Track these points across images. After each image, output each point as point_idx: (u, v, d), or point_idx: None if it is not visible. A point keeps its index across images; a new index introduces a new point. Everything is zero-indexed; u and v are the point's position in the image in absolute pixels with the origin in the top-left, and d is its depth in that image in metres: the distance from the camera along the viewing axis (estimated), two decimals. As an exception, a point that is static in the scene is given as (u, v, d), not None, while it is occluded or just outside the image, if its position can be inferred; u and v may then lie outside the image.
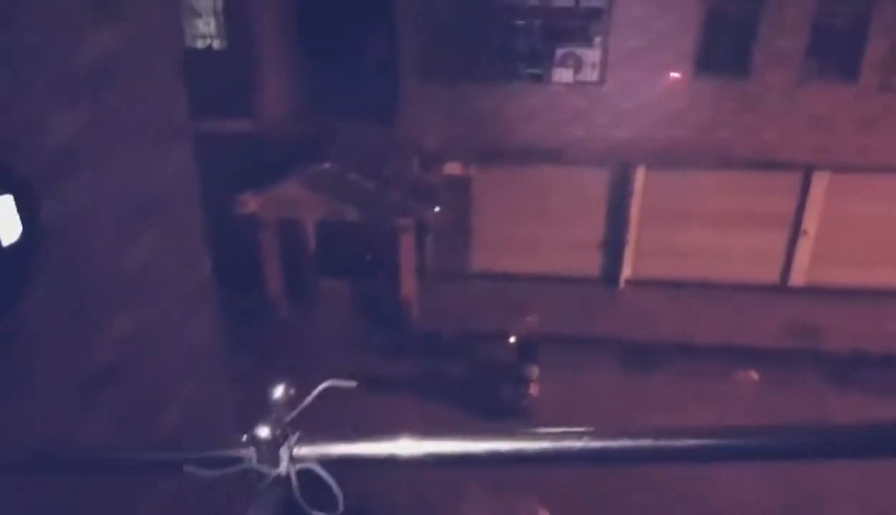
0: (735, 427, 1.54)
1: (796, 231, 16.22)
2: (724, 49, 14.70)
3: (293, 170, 14.11)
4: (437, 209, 15.27)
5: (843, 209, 15.90)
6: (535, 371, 13.42)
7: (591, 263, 16.99)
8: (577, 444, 1.46)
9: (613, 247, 16.74)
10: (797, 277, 16.59)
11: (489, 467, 1.55)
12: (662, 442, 1.47)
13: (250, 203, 14.14)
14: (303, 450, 1.61)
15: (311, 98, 15.78)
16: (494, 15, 14.73)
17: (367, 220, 14.58)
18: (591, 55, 14.99)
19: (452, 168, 16.25)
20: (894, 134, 14.75)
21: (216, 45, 15.97)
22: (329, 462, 1.59)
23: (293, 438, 1.61)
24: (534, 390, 13.39)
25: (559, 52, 15.07)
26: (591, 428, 1.47)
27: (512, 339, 13.83)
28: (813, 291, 16.43)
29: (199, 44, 16.01)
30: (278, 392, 1.67)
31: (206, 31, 16.08)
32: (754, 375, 14.35)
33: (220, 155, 12.92)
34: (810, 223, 16.08)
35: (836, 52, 14.56)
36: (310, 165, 14.13)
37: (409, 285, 15.22)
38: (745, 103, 14.84)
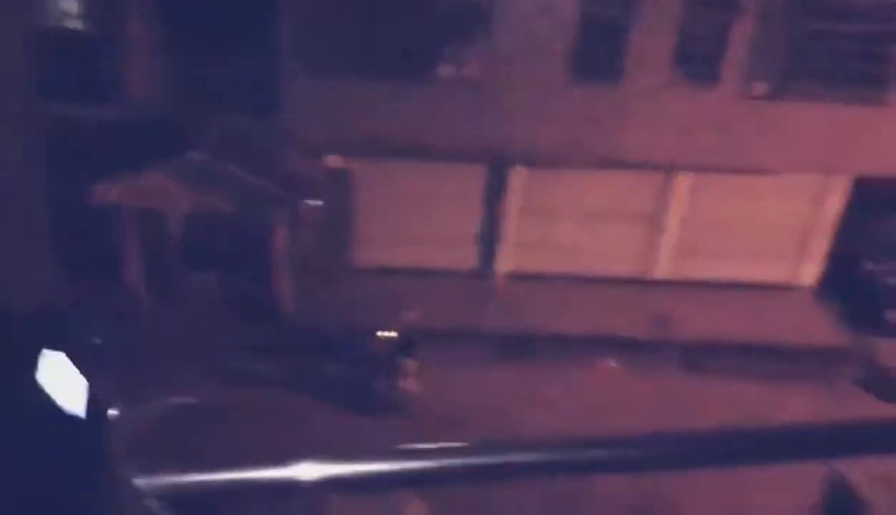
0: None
1: (659, 228, 17.16)
2: (599, 53, 15.27)
3: (161, 159, 13.51)
4: (316, 202, 15.06)
5: (701, 208, 16.98)
6: (412, 365, 13.55)
7: (468, 257, 17.31)
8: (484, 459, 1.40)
9: (490, 241, 17.12)
10: (659, 271, 17.59)
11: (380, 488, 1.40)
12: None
13: (111, 192, 13.40)
14: (144, 484, 1.43)
15: (184, 84, 15.12)
16: (379, 8, 14.63)
17: (242, 213, 14.18)
18: (475, 54, 15.19)
19: (334, 161, 16.07)
20: (750, 138, 15.83)
21: (79, 25, 14.99)
22: (175, 498, 1.40)
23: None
24: (411, 385, 13.52)
25: (442, 48, 15.18)
26: (481, 441, 1.40)
27: (390, 334, 13.90)
28: (673, 284, 17.48)
29: (60, 24, 14.98)
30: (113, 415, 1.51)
31: (68, 10, 15.06)
32: (613, 363, 15.10)
33: (81, 141, 12.20)
34: (672, 220, 17.06)
35: (700, 58, 15.44)
36: (179, 154, 13.58)
37: (284, 280, 14.94)
38: (616, 106, 15.50)
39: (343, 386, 13.52)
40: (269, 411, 12.55)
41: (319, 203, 15.60)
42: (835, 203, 16.94)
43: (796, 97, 15.45)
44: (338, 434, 12.77)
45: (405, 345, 13.77)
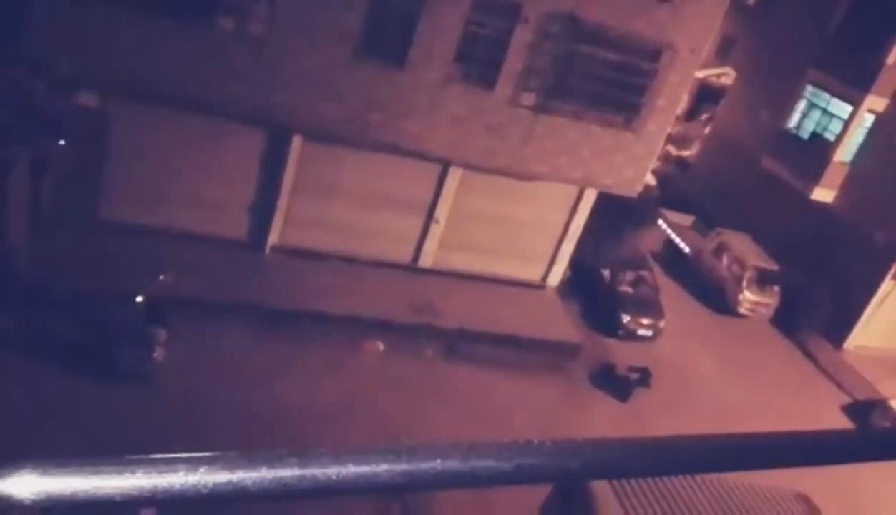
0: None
1: (430, 218, 17.68)
2: (387, 38, 15.25)
3: None
4: (61, 142, 13.32)
5: (468, 203, 17.79)
6: (162, 334, 12.58)
7: (237, 226, 16.42)
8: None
9: (262, 212, 16.39)
10: (425, 260, 18.16)
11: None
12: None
13: None
14: None
15: None
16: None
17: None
18: (259, 10, 14.37)
19: (88, 99, 14.28)
20: (514, 143, 16.86)
21: None
22: None
23: None
24: (158, 354, 12.53)
25: (224, -4, 14.14)
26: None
27: (139, 299, 12.75)
28: (437, 273, 18.17)
29: None
30: None
31: None
32: (380, 346, 15.35)
33: None
34: (442, 212, 17.67)
35: (480, 61, 16.11)
36: None
37: (17, 227, 13.01)
38: (399, 93, 15.64)
39: (83, 351, 12.10)
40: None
41: (64, 143, 13.81)
42: (583, 213, 18.69)
43: (558, 113, 16.74)
44: (70, 405, 11.42)
45: (155, 312, 12.71)
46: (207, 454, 0.92)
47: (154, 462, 0.87)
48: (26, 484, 0.82)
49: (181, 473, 0.89)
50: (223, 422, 12.23)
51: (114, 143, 14.77)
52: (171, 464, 0.89)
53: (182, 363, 12.81)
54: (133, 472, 0.85)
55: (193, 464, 0.90)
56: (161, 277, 13.28)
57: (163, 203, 15.59)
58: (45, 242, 13.65)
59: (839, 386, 20.78)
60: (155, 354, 12.52)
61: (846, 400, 20.21)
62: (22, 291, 12.48)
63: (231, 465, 0.91)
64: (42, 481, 0.82)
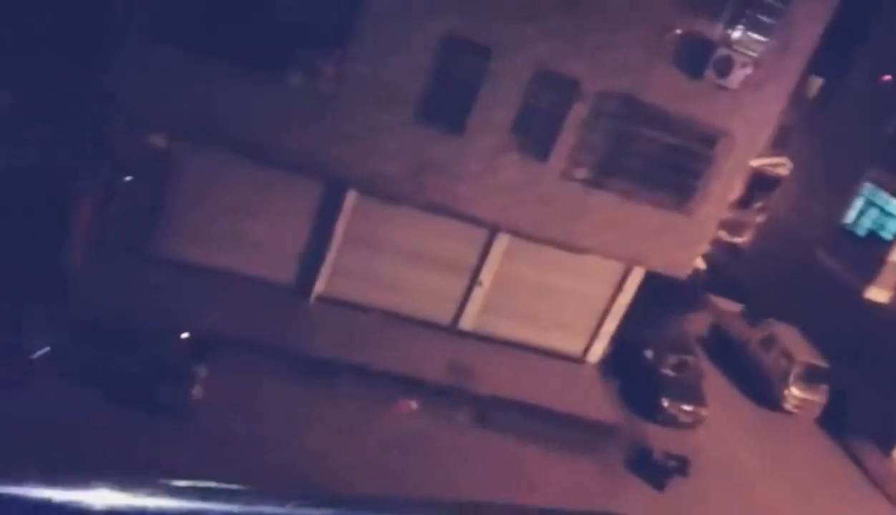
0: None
1: (474, 281, 17.76)
2: (447, 104, 15.67)
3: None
4: (128, 178, 13.91)
5: (514, 270, 17.84)
6: (203, 371, 12.78)
7: (286, 272, 16.77)
8: None
9: (312, 260, 16.73)
10: (466, 322, 18.16)
11: None
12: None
13: None
14: None
15: None
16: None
17: (43, 173, 12.69)
18: (329, 68, 14.97)
19: (158, 139, 14.95)
20: (564, 215, 16.94)
21: None
22: None
23: None
24: (198, 392, 12.71)
25: (297, 53, 14.80)
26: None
27: (185, 336, 13.04)
28: (476, 337, 18.12)
29: None
30: None
31: None
32: (413, 405, 15.28)
33: None
34: (487, 276, 17.75)
35: (536, 132, 16.37)
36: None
37: (77, 256, 13.51)
38: (455, 157, 15.96)
39: (125, 381, 12.36)
40: (29, 397, 11.15)
41: (129, 178, 14.42)
42: (629, 290, 18.53)
43: (610, 189, 16.79)
44: (107, 433, 11.62)
45: (198, 350, 12.96)
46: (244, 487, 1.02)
47: (201, 490, 0.97)
48: (102, 497, 0.93)
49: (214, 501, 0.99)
50: (251, 463, 12.29)
51: (176, 183, 15.37)
52: (212, 493, 0.99)
53: (221, 402, 12.96)
54: (182, 495, 0.95)
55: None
56: (206, 315, 13.58)
57: (217, 243, 16.05)
58: (102, 272, 14.10)
59: (886, 495, 19.79)
60: (194, 391, 12.70)
61: (892, 510, 19.22)
62: (73, 318, 12.88)
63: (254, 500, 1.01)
64: (114, 496, 0.93)
